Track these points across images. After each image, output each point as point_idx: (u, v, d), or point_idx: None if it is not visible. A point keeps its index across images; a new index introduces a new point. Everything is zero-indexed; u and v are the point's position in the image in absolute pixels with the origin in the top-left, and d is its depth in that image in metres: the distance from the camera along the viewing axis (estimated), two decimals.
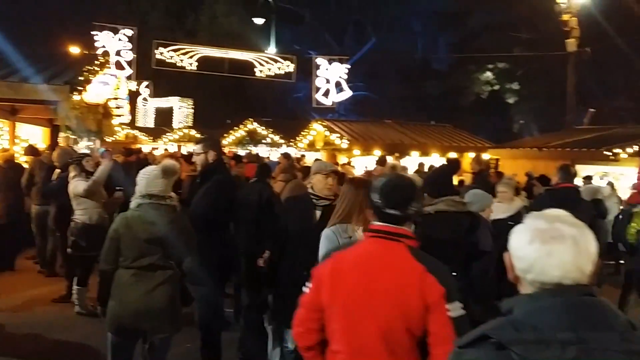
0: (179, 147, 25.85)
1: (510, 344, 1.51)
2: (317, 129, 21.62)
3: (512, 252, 1.71)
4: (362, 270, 2.45)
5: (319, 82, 26.00)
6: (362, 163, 16.76)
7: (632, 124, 18.35)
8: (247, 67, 26.68)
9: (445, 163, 8.18)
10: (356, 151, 18.51)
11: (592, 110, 21.96)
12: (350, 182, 4.02)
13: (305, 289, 2.61)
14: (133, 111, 30.64)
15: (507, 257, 1.73)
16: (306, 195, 4.85)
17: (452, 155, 18.19)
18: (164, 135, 29.24)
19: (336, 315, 2.47)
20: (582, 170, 14.19)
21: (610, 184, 11.79)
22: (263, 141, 24.36)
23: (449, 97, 31.25)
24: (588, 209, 6.17)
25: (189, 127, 30.14)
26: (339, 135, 19.87)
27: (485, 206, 5.42)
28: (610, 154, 13.72)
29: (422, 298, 2.31)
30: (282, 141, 23.56)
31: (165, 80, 30.72)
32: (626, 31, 22.06)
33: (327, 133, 20.59)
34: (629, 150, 14.03)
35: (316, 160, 10.46)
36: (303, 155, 19.84)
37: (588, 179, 11.55)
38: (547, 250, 1.61)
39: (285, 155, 11.23)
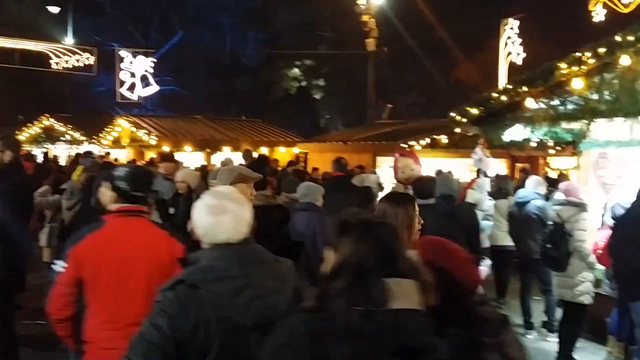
0: None
1: (199, 282, 2.15)
2: (122, 125, 20.62)
3: (194, 222, 2.32)
4: (121, 241, 3.00)
5: (123, 75, 24.69)
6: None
7: (424, 118, 20.00)
8: (41, 59, 24.49)
9: (256, 158, 8.45)
10: (165, 147, 17.93)
11: (389, 105, 23.60)
12: (387, 198, 3.45)
13: (60, 269, 2.99)
14: None
15: (189, 224, 2.62)
16: None
17: (264, 150, 18.40)
18: None
19: (101, 281, 2.95)
20: (383, 161, 15.23)
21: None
22: (62, 138, 22.61)
23: (259, 93, 31.59)
24: (357, 193, 7.67)
25: None
26: (146, 131, 19.12)
27: (319, 196, 5.89)
28: (407, 146, 14.83)
29: (170, 252, 2.96)
30: (83, 138, 22.08)
31: None
32: (418, 32, 23.99)
33: (134, 129, 19.72)
34: (422, 142, 15.30)
35: (225, 163, 9.48)
36: (108, 153, 18.81)
37: (360, 167, 12.83)
38: (215, 221, 2.26)
39: (87, 154, 10.48)
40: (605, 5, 14.01)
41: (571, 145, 8.96)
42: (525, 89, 7.13)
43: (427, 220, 5.44)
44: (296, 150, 19.96)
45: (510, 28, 16.99)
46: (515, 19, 17.03)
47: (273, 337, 1.81)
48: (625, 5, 13.73)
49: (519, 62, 17.00)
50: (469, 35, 22.45)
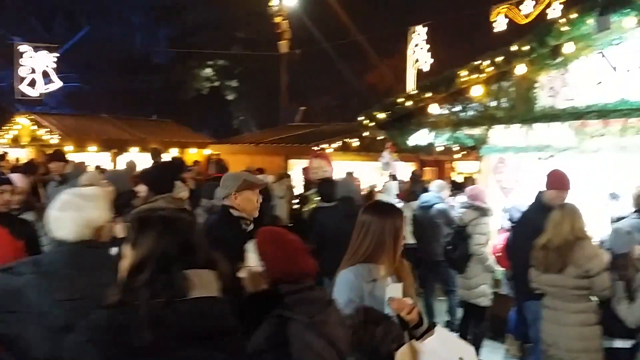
0: None
1: (21, 273, 2.23)
2: (22, 123, 19.57)
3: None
4: None
5: (22, 71, 23.28)
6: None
7: (337, 122, 20.21)
8: None
9: (170, 160, 8.47)
10: (69, 147, 17.12)
11: (302, 108, 23.67)
12: (373, 209, 3.18)
13: None
14: None
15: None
16: None
17: (174, 151, 17.95)
18: None
19: None
20: (295, 164, 15.22)
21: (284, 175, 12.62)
22: None
23: (171, 92, 30.81)
24: None
25: None
26: (48, 129, 18.22)
27: None
28: (318, 148, 14.90)
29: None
30: None
31: None
32: (332, 36, 24.21)
33: (35, 127, 18.73)
34: (334, 145, 15.43)
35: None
36: (6, 152, 17.74)
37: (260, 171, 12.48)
38: (57, 216, 2.35)
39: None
40: (506, 16, 14.68)
41: (474, 150, 9.31)
42: (429, 94, 7.30)
43: (329, 221, 5.53)
44: (207, 151, 19.60)
45: (418, 35, 17.44)
46: (423, 26, 17.49)
47: (75, 334, 1.84)
48: (525, 17, 14.44)
49: (427, 68, 17.48)
50: (381, 40, 22.88)
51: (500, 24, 14.90)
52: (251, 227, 3.80)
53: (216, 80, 31.30)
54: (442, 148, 10.64)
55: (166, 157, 13.92)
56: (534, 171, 7.68)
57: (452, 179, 14.33)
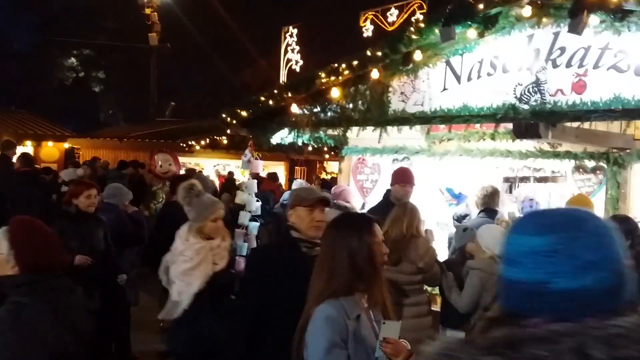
0: None
1: None
2: None
3: None
4: None
5: None
6: None
7: (209, 119, 19.85)
8: None
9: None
10: None
11: (172, 103, 23.09)
12: (334, 226, 2.62)
13: None
14: None
15: None
16: None
17: (28, 144, 16.81)
18: None
19: None
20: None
21: None
22: None
23: (31, 82, 28.83)
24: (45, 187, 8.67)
25: None
26: None
27: (125, 199, 6.47)
28: (185, 145, 14.60)
29: None
30: None
31: None
32: (206, 32, 23.81)
33: None
34: (202, 142, 15.18)
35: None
36: None
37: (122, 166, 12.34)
38: None
39: None
40: (372, 22, 15.18)
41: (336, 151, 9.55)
42: (290, 94, 7.36)
43: (180, 216, 5.47)
44: (66, 145, 18.52)
45: (290, 35, 17.59)
46: (294, 27, 17.66)
47: None
48: (390, 24, 15.02)
49: (298, 69, 17.68)
50: (256, 38, 22.85)
51: (368, 29, 15.39)
52: None
53: (81, 71, 29.71)
54: (311, 148, 10.85)
55: (21, 149, 13.08)
56: (390, 172, 8.04)
57: (322, 177, 14.62)
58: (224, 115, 8.26)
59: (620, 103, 5.13)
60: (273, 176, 13.07)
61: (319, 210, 3.23)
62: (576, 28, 5.01)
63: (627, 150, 5.98)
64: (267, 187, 11.53)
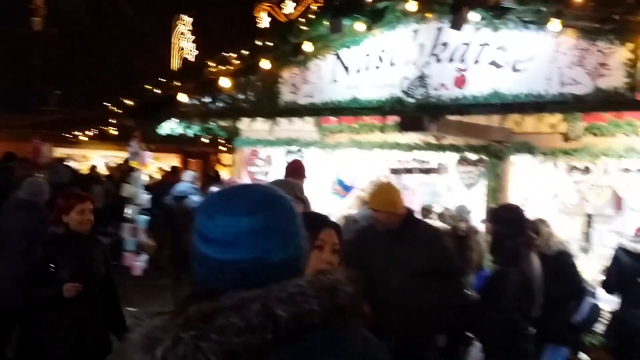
0: None
1: None
2: None
3: None
4: None
5: None
6: None
7: (97, 108, 18.92)
8: None
9: None
10: None
11: (58, 92, 21.85)
12: None
13: None
14: None
15: None
16: None
17: None
18: None
19: None
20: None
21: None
22: None
23: None
24: None
25: None
26: None
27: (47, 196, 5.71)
28: (71, 136, 13.85)
29: None
30: None
31: None
32: (96, 19, 22.71)
33: None
34: (89, 133, 14.46)
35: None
36: None
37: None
38: None
39: None
40: (269, 14, 15.11)
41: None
42: (178, 83, 7.14)
43: None
44: None
45: (184, 24, 17.17)
46: (189, 15, 17.26)
47: None
48: (286, 16, 14.99)
49: (192, 58, 17.30)
50: (149, 26, 22.06)
51: (263, 20, 15.30)
52: None
53: None
54: (208, 140, 10.60)
55: None
56: (283, 164, 7.99)
57: (207, 171, 14.40)
58: (107, 104, 7.90)
59: (499, 97, 5.35)
60: (174, 169, 12.72)
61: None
62: (457, 24, 5.17)
63: (506, 143, 6.26)
64: (167, 179, 11.21)
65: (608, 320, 5.04)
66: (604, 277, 5.06)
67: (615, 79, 4.74)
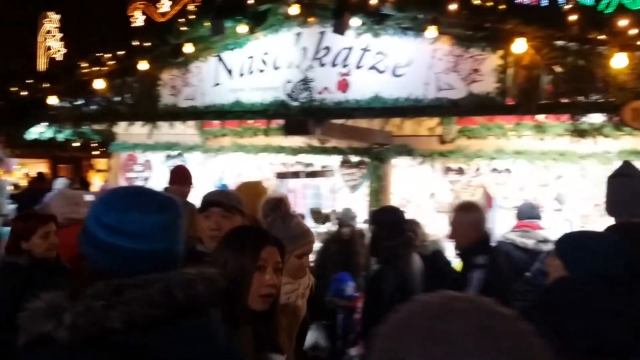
0: None
1: None
2: None
3: None
4: None
5: None
6: None
7: None
8: None
9: None
10: None
11: None
12: (225, 242, 2.13)
13: None
14: None
15: None
16: None
17: None
18: None
19: None
20: None
21: None
22: None
23: None
24: None
25: None
26: None
27: None
28: None
29: None
30: None
31: None
32: None
33: None
34: None
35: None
36: None
37: None
38: None
39: None
40: (143, 13, 14.54)
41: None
42: (47, 85, 6.66)
43: None
44: None
45: (50, 21, 16.13)
46: (56, 13, 16.24)
47: None
48: (162, 15, 14.51)
49: (60, 58, 16.29)
50: (13, 23, 20.49)
51: (138, 19, 14.71)
52: None
53: None
54: (79, 144, 9.97)
55: None
56: (163, 169, 7.71)
57: (82, 177, 13.66)
58: None
59: (380, 102, 5.49)
60: (40, 176, 11.87)
61: (216, 217, 2.85)
62: (339, 29, 5.24)
63: (387, 146, 6.45)
64: (33, 186, 10.45)
65: None
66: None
67: (486, 84, 5.02)
